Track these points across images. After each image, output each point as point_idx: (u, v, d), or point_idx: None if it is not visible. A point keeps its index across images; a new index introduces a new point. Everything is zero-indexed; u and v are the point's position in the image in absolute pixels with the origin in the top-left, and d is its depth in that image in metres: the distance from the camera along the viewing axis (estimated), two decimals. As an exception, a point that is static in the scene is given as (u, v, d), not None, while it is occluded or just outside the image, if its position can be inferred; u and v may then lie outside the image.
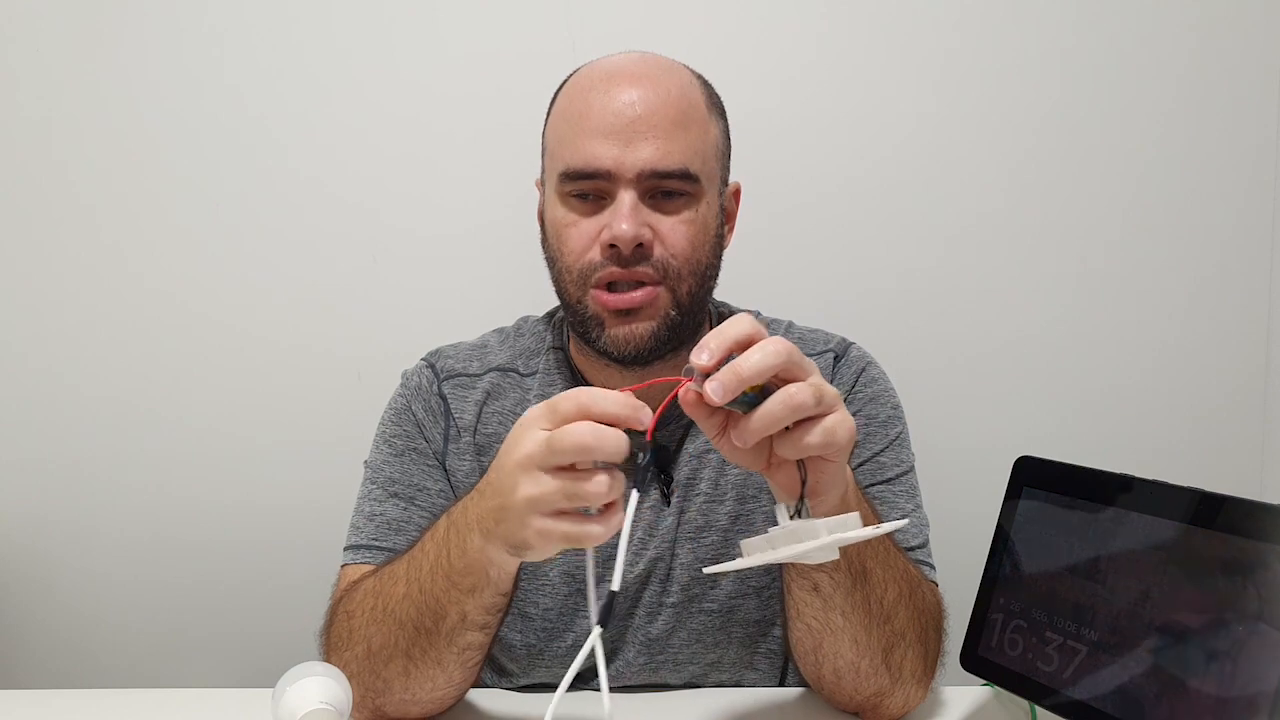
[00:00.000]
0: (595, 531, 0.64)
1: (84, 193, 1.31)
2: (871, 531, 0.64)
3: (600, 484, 0.62)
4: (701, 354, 0.61)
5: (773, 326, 0.99)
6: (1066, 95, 1.29)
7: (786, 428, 0.63)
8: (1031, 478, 0.77)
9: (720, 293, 0.98)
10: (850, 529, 0.63)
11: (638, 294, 0.84)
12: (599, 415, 0.62)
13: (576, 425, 0.61)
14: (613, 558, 0.62)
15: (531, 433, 0.64)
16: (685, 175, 0.84)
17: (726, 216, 0.93)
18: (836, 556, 0.66)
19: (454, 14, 1.28)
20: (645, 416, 0.62)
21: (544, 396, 0.94)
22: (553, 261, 0.89)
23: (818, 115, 1.29)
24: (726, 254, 0.93)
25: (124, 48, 1.28)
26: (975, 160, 1.30)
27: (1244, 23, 1.27)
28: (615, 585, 0.62)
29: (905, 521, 0.67)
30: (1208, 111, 1.29)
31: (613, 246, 0.83)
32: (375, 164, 1.30)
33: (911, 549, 0.88)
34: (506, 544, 0.67)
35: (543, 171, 0.92)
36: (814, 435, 0.63)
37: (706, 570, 0.68)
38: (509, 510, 0.65)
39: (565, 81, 0.91)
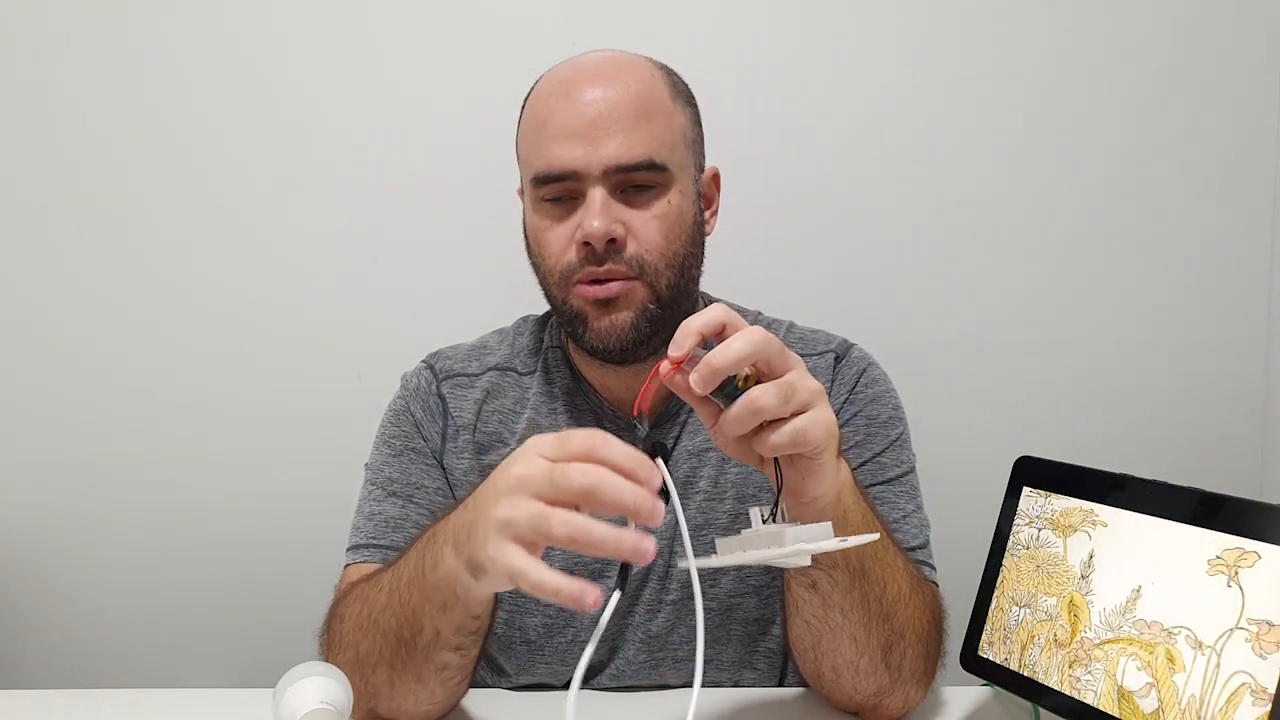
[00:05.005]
0: (533, 575, 0.57)
1: (83, 193, 1.31)
2: (838, 544, 0.62)
3: (565, 523, 0.57)
4: (675, 348, 0.62)
5: (774, 327, 0.99)
6: (1067, 93, 1.29)
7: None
8: (1031, 478, 0.78)
9: (720, 292, 0.98)
10: (820, 539, 0.62)
11: (614, 285, 0.84)
12: (605, 459, 0.58)
13: (589, 466, 0.57)
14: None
15: (533, 459, 0.60)
16: (652, 166, 0.84)
17: (706, 202, 0.93)
18: (808, 563, 0.66)
19: (456, 13, 1.28)
20: (653, 477, 0.58)
21: (544, 395, 0.95)
22: (537, 267, 0.91)
23: (822, 114, 1.29)
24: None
25: (131, 51, 1.28)
26: (977, 159, 1.30)
27: (1245, 20, 1.27)
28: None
29: (875, 536, 0.66)
30: (1208, 110, 1.29)
31: (587, 244, 0.84)
32: (376, 164, 1.30)
33: (912, 549, 0.88)
34: (468, 562, 0.65)
35: (521, 180, 0.92)
36: (779, 436, 0.62)
37: (680, 565, 0.67)
38: (478, 527, 0.63)
39: (530, 90, 0.91)
